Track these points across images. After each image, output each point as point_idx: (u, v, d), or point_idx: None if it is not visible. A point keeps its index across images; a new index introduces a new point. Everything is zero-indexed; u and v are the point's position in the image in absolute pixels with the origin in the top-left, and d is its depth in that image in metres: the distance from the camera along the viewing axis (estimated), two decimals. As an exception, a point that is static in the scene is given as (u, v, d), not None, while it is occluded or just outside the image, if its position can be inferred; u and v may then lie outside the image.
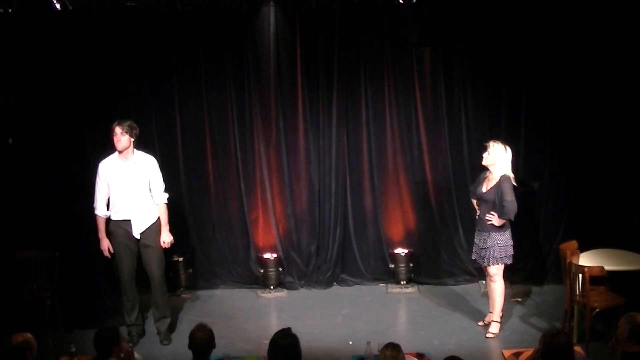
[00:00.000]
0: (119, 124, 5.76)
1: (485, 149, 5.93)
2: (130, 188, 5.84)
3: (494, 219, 5.81)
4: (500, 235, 5.85)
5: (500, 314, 6.04)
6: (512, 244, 5.92)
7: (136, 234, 5.87)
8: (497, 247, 5.85)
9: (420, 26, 6.32)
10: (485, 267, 6.00)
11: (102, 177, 5.86)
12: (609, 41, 6.63)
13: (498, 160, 5.86)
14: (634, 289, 5.77)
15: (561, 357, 3.77)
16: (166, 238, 5.98)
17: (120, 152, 5.80)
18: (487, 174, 5.96)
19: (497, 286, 5.97)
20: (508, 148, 5.90)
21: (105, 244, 5.89)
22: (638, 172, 6.56)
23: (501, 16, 6.64)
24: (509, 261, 5.94)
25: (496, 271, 5.92)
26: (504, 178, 5.82)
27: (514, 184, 5.86)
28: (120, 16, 6.44)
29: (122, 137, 5.74)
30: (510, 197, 5.76)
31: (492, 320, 6.05)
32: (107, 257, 5.95)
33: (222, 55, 6.97)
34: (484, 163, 5.95)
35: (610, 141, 6.86)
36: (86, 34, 6.54)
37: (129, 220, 5.85)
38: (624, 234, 6.55)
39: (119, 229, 5.87)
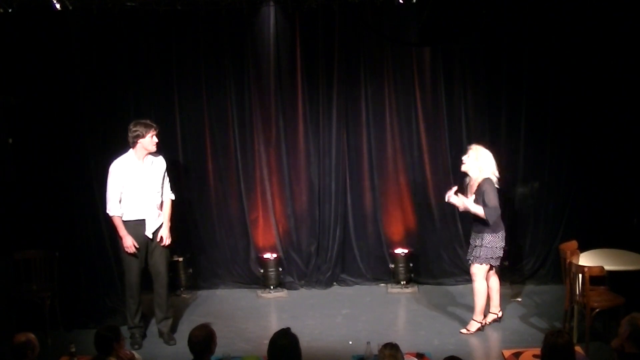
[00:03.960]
0: (153, 127, 5.77)
1: (466, 152, 5.95)
2: (147, 188, 5.84)
3: (456, 199, 5.82)
4: (491, 236, 5.85)
5: (482, 315, 6.07)
6: (502, 245, 5.91)
7: (149, 233, 5.86)
8: (484, 247, 5.85)
9: (420, 26, 6.33)
10: (469, 265, 6.04)
11: (117, 178, 5.79)
12: (609, 41, 6.63)
13: (478, 164, 5.85)
14: (634, 289, 5.77)
15: (562, 357, 3.77)
16: (165, 233, 5.92)
17: (152, 154, 5.84)
18: (468, 179, 5.97)
19: (476, 286, 6.00)
20: (488, 151, 5.90)
21: (130, 241, 5.79)
22: (638, 172, 6.56)
23: (501, 16, 6.63)
24: (495, 262, 5.94)
25: (476, 270, 5.95)
26: (484, 181, 5.82)
27: (497, 186, 5.87)
28: (120, 16, 6.44)
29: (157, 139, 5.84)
30: (492, 203, 5.75)
31: (472, 319, 6.09)
32: (134, 253, 5.82)
33: (222, 55, 6.97)
34: (462, 169, 5.97)
35: (610, 141, 6.86)
36: (86, 34, 6.55)
37: (143, 220, 5.84)
38: (624, 234, 6.55)
39: (129, 229, 5.83)
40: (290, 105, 7.15)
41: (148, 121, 5.85)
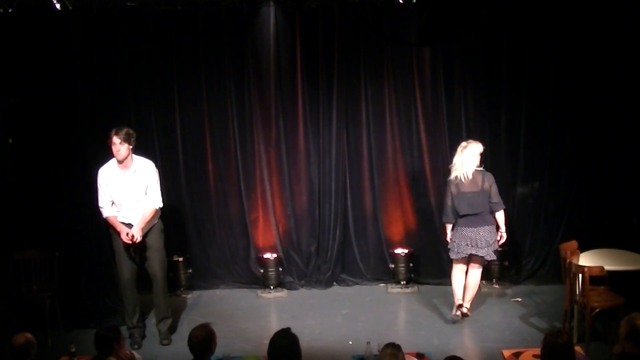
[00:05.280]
0: (116, 133, 5.63)
1: None
2: (131, 195, 5.82)
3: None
4: (450, 231, 6.27)
5: (457, 299, 6.28)
6: (457, 241, 6.13)
7: (139, 236, 5.85)
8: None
9: (420, 26, 6.33)
10: None
11: (102, 185, 5.83)
12: (609, 41, 6.63)
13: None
14: (634, 289, 5.77)
15: (562, 357, 3.77)
16: (136, 233, 5.76)
17: (120, 162, 5.74)
18: None
19: None
20: (463, 146, 6.10)
21: (125, 229, 5.77)
22: (638, 172, 6.56)
23: (501, 16, 6.63)
24: (454, 255, 6.19)
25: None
26: None
27: (460, 179, 6.04)
28: (120, 16, 6.44)
29: (121, 147, 5.65)
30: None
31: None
32: (130, 242, 5.75)
33: (222, 55, 6.97)
34: None
35: (610, 141, 6.86)
36: (86, 34, 6.55)
37: (130, 224, 5.83)
38: (624, 234, 6.55)
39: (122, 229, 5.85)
40: (290, 105, 7.15)
41: (116, 129, 5.68)
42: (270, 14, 6.86)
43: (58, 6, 6.04)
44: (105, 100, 6.76)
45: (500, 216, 6.14)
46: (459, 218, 6.14)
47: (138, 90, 6.94)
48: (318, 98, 7.09)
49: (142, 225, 5.82)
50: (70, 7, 6.14)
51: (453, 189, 6.10)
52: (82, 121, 6.61)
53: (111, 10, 6.30)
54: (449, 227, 6.25)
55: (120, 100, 6.85)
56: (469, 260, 6.19)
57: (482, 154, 6.14)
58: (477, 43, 6.90)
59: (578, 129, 6.97)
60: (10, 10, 6.08)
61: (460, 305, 6.20)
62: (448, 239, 6.29)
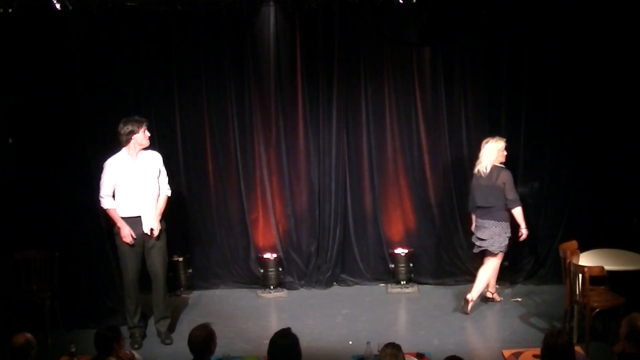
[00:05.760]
0: (145, 123, 5.87)
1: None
2: (142, 184, 5.84)
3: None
4: None
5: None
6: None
7: (146, 229, 5.84)
8: None
9: (420, 26, 6.34)
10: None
11: (111, 175, 5.82)
12: (609, 41, 6.63)
13: None
14: (634, 289, 5.78)
15: (562, 357, 3.77)
16: (155, 225, 5.86)
17: (145, 148, 5.90)
18: None
19: None
20: (485, 142, 6.49)
21: (127, 230, 5.79)
22: (638, 172, 6.56)
23: (501, 16, 6.63)
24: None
25: None
26: None
27: (476, 174, 6.48)
28: (120, 16, 6.44)
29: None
30: None
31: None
32: (131, 242, 5.80)
33: (222, 55, 6.97)
34: None
35: (610, 141, 6.86)
36: (86, 34, 6.55)
37: (139, 217, 5.83)
38: (624, 234, 6.55)
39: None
40: (290, 105, 7.15)
41: (137, 117, 5.92)
42: (270, 14, 6.86)
43: (58, 6, 6.04)
44: (105, 100, 6.76)
45: (517, 213, 6.38)
46: (475, 209, 6.53)
47: (138, 90, 6.94)
48: (318, 98, 7.09)
49: (159, 217, 5.92)
50: (70, 7, 6.14)
51: (474, 181, 6.50)
52: (82, 121, 6.61)
53: (111, 10, 6.30)
54: (473, 217, 6.58)
55: (120, 100, 6.84)
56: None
57: (506, 150, 6.43)
58: (477, 43, 6.90)
59: (578, 129, 6.97)
60: (10, 10, 6.08)
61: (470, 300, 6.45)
62: (472, 228, 6.63)
